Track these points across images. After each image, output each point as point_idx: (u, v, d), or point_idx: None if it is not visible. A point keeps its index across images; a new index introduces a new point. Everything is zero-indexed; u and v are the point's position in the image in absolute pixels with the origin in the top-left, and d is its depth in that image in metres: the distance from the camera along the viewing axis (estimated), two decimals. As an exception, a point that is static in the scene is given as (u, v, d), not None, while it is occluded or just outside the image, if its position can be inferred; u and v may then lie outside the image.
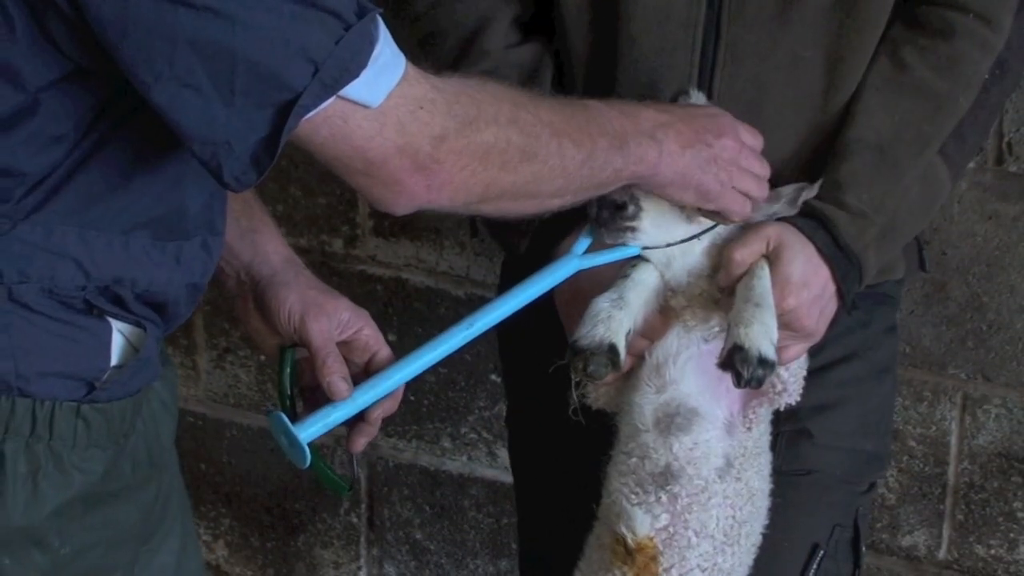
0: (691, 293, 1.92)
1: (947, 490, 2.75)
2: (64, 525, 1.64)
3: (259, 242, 1.91)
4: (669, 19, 1.95)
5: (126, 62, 1.47)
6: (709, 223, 1.92)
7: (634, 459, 1.90)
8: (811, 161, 2.00)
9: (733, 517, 1.91)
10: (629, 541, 1.87)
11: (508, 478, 3.05)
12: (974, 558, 2.77)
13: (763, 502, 1.96)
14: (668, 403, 1.89)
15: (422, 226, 2.95)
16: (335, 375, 1.82)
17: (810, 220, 1.94)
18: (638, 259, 1.91)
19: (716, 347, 1.88)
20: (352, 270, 2.99)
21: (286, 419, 1.79)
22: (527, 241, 2.02)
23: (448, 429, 3.07)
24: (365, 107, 1.54)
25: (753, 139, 1.93)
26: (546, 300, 1.96)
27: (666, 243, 1.91)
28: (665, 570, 1.88)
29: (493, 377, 3.00)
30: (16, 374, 1.59)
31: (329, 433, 3.15)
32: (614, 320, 1.83)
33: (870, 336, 2.05)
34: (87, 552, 1.67)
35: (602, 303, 1.85)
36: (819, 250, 1.92)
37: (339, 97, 1.51)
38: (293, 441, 1.79)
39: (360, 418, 1.87)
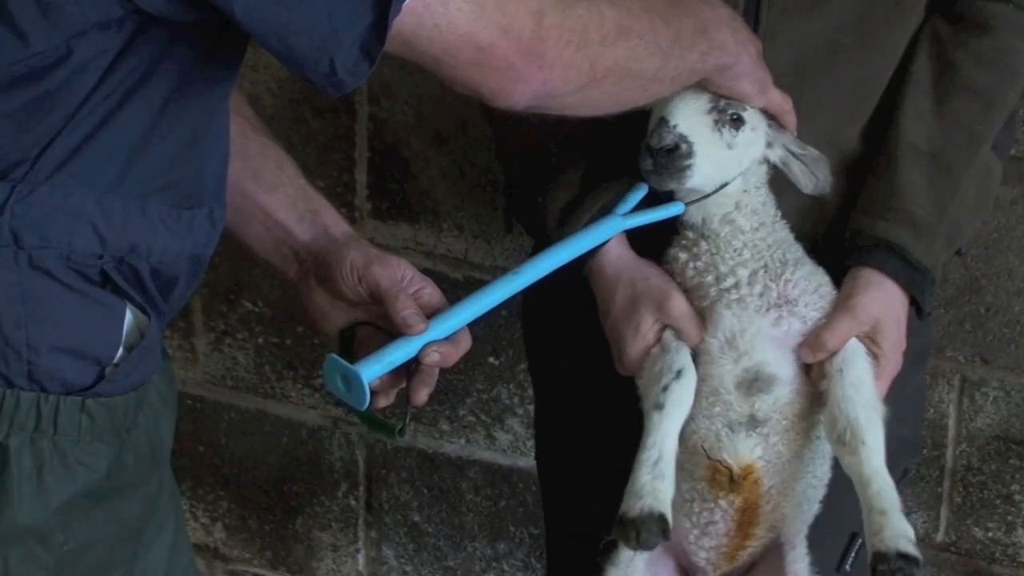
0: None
1: (945, 473, 2.76)
2: (69, 521, 1.63)
3: (318, 221, 1.91)
4: None
5: None
6: (750, 151, 1.93)
7: (718, 408, 1.93)
8: (850, 147, 2.00)
9: (819, 437, 1.97)
10: (735, 468, 1.93)
11: (506, 460, 3.05)
12: (972, 540, 2.78)
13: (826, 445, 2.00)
14: (748, 369, 1.92)
15: (420, 208, 2.95)
16: (408, 309, 1.80)
17: (878, 249, 1.94)
18: (679, 372, 1.92)
19: (773, 315, 1.92)
20: (350, 253, 2.99)
21: (343, 360, 1.77)
22: (556, 220, 2.02)
23: (446, 412, 3.08)
24: None
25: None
26: (571, 301, 1.98)
27: (720, 182, 1.92)
28: (767, 490, 1.95)
29: (491, 360, 3.00)
30: (28, 345, 1.58)
31: (326, 415, 3.17)
32: (659, 491, 1.87)
33: (911, 323, 2.05)
34: (91, 548, 1.67)
35: (644, 476, 1.87)
36: (899, 284, 1.94)
37: None
38: (352, 382, 1.76)
39: (416, 366, 1.84)
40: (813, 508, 2.02)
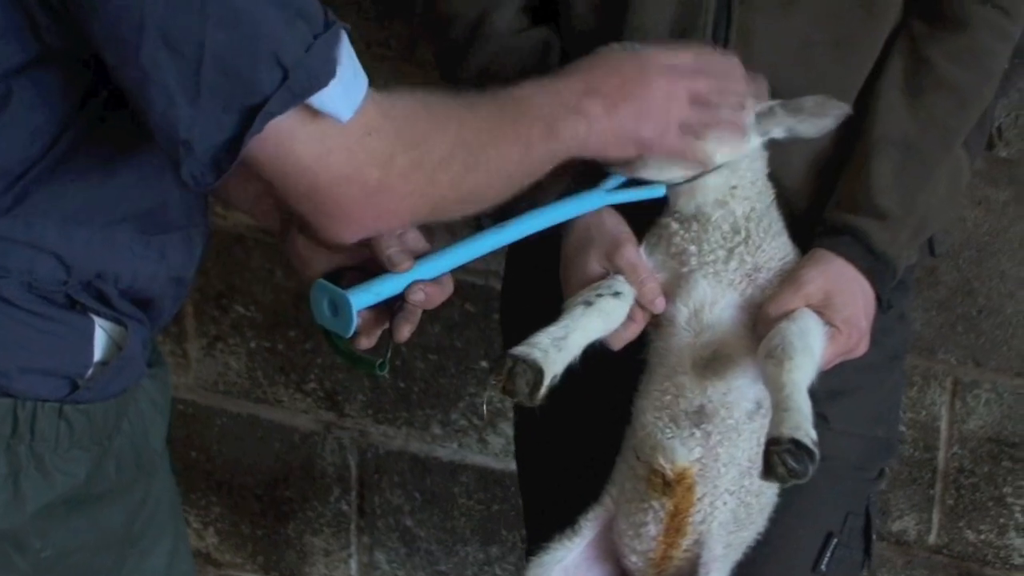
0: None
1: (937, 475, 2.76)
2: (46, 527, 1.62)
3: None
4: (679, 4, 1.96)
5: (96, 43, 1.44)
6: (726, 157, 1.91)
7: (669, 396, 1.93)
8: (826, 147, 1.99)
9: (759, 443, 1.92)
10: (668, 472, 1.92)
11: (498, 464, 3.05)
12: (964, 543, 2.78)
13: None
14: (706, 347, 1.91)
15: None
16: (393, 248, 1.78)
17: (843, 235, 1.94)
18: (617, 293, 1.90)
19: (744, 291, 1.92)
20: (341, 257, 2.99)
21: (332, 285, 1.77)
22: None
23: (438, 416, 3.07)
24: (328, 120, 1.51)
25: (700, 60, 1.88)
26: (549, 290, 1.97)
27: (682, 178, 1.91)
28: (699, 499, 1.93)
29: (483, 364, 3.00)
30: None
31: (319, 420, 3.16)
32: (550, 355, 1.82)
33: (885, 322, 2.05)
34: (70, 555, 1.66)
35: (543, 338, 1.84)
36: (860, 269, 1.93)
37: (305, 106, 1.49)
38: (340, 308, 1.76)
39: (401, 304, 1.84)
40: (742, 537, 2.00)
